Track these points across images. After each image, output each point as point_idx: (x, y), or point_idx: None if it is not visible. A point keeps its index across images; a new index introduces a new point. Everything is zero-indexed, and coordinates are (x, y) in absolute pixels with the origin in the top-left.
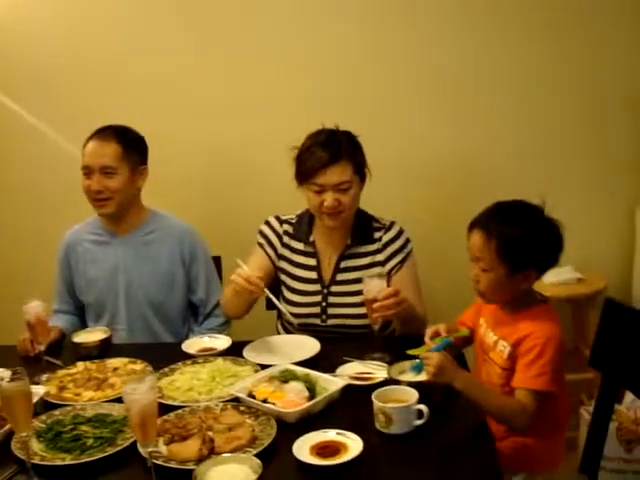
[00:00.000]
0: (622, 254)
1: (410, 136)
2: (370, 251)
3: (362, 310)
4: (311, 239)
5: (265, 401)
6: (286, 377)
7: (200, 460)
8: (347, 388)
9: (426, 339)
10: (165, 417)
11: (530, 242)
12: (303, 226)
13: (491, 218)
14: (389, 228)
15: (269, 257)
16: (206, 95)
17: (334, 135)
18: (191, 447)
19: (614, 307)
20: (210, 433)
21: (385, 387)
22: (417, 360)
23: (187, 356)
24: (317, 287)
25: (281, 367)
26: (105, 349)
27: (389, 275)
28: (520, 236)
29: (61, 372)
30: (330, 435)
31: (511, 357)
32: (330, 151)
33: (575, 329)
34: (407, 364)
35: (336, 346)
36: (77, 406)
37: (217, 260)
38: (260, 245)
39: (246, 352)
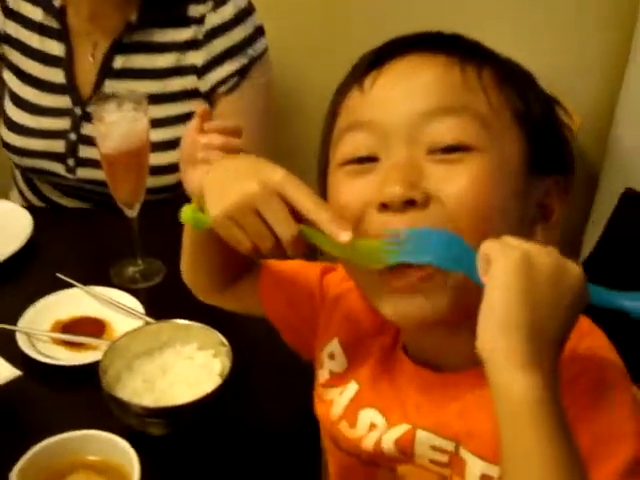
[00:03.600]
0: (609, 70)
1: None
2: (177, 42)
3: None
4: (57, 2)
5: None
6: None
7: None
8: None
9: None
10: None
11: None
12: None
13: (446, 40)
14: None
15: None
16: None
17: None
18: None
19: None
20: None
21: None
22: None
23: None
24: (65, 102)
25: None
26: None
27: (210, 97)
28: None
29: None
30: None
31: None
32: None
33: None
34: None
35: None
36: None
37: None
38: None
39: None
